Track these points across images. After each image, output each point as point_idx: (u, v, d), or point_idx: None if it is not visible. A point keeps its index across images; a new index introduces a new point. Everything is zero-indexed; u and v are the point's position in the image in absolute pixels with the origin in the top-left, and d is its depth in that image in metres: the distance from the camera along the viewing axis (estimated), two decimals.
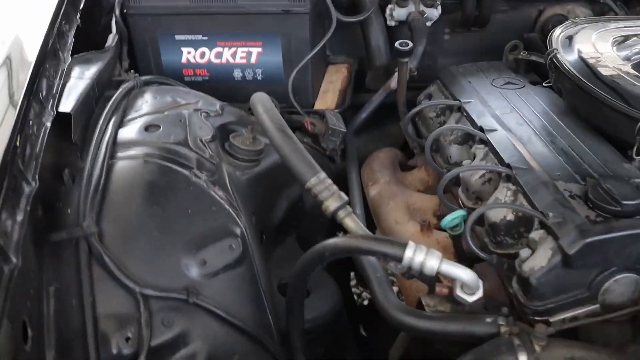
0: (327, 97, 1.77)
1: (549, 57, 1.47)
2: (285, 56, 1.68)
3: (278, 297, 1.38)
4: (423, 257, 1.08)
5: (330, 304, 1.41)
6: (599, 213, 1.15)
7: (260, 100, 1.37)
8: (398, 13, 1.83)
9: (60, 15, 1.43)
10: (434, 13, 1.85)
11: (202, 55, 1.70)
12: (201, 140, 1.33)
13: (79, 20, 1.53)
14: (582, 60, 1.44)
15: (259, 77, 1.71)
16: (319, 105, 1.74)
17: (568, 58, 1.46)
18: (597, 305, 1.16)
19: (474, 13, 1.87)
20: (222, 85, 1.71)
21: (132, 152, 1.28)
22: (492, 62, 1.74)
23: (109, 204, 1.20)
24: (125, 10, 1.66)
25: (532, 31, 1.95)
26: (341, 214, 1.20)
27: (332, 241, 1.13)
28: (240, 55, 1.69)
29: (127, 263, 1.14)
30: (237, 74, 1.71)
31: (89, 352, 1.07)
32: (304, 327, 1.26)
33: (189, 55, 1.70)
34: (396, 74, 1.76)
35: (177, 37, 1.68)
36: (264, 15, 1.64)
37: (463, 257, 1.39)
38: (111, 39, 1.57)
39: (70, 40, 1.46)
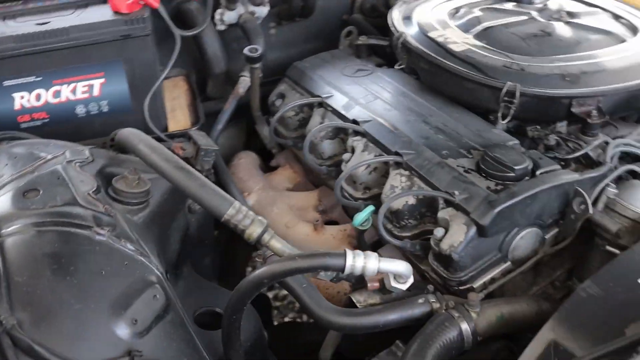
0: (178, 116, 1.71)
1: (399, 41, 1.55)
2: (131, 83, 1.59)
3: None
4: (363, 261, 1.11)
5: (251, 330, 1.39)
6: (497, 182, 1.25)
7: (139, 139, 1.30)
8: (228, 17, 1.81)
9: None
10: (264, 11, 1.85)
11: (38, 97, 1.55)
12: (89, 194, 1.23)
13: None
14: (432, 40, 1.53)
15: (105, 109, 1.60)
16: (173, 126, 1.68)
17: (416, 39, 1.55)
18: (509, 263, 1.28)
19: (300, 4, 1.90)
20: (64, 125, 1.58)
21: (18, 225, 1.16)
22: (332, 51, 1.79)
23: (16, 289, 1.08)
24: None
25: (351, 13, 2.02)
26: (266, 237, 1.19)
27: (269, 267, 1.12)
28: (81, 90, 1.57)
29: (57, 346, 1.05)
30: (80, 110, 1.60)
31: None
32: (243, 357, 1.24)
33: (22, 100, 1.55)
34: (242, 79, 1.75)
35: (6, 83, 1.52)
36: (102, 44, 1.53)
37: (364, 247, 1.44)
38: None
39: None
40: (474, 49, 1.48)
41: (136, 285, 1.16)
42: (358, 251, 1.13)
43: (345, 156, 1.47)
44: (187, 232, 1.49)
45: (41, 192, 1.22)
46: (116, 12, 1.54)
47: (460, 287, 1.25)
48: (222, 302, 1.42)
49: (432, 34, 1.55)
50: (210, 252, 1.59)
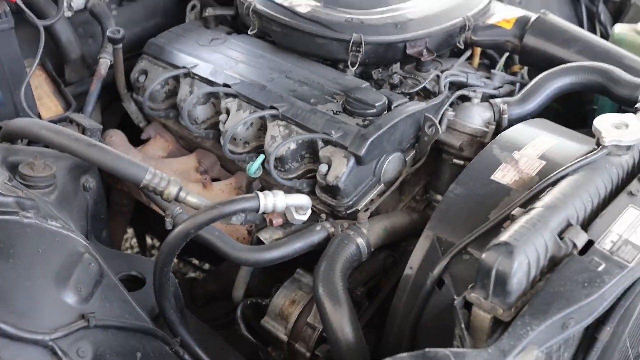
0: (47, 103, 1.77)
1: (250, 9, 1.73)
2: (1, 77, 1.63)
3: None
4: (273, 199, 1.31)
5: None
6: (363, 118, 1.50)
7: (39, 125, 1.39)
8: (76, 3, 1.87)
9: None
10: None
11: None
12: (6, 183, 1.30)
13: None
14: (278, 4, 1.73)
15: None
16: (45, 114, 1.74)
17: (264, 5, 1.74)
18: (382, 185, 1.53)
19: None
20: None
21: None
22: (182, 25, 1.92)
23: None
24: None
25: None
26: (182, 195, 1.35)
27: (192, 218, 1.28)
28: None
29: (18, 322, 1.14)
30: None
31: None
32: (175, 305, 1.39)
33: None
34: (102, 60, 1.84)
35: None
36: None
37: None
38: None
39: None
40: (317, 9, 1.70)
41: (71, 258, 1.27)
42: (267, 191, 1.32)
43: (222, 117, 1.64)
44: (87, 210, 1.59)
45: None
46: None
47: (348, 211, 1.49)
48: (136, 266, 1.55)
49: (277, 0, 1.74)
50: (106, 226, 1.69)
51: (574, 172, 1.24)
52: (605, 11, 2.41)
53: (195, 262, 2.65)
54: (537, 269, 1.09)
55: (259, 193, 1.31)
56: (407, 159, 1.56)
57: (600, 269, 1.10)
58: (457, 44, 1.76)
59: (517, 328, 1.03)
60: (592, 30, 2.36)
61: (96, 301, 1.27)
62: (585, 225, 1.18)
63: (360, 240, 1.39)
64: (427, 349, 1.00)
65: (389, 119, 1.48)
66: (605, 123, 1.27)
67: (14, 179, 1.35)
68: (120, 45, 1.74)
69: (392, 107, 1.53)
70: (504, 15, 1.81)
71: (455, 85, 1.68)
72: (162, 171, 1.67)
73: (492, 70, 1.76)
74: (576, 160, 1.25)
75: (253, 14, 1.74)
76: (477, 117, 1.56)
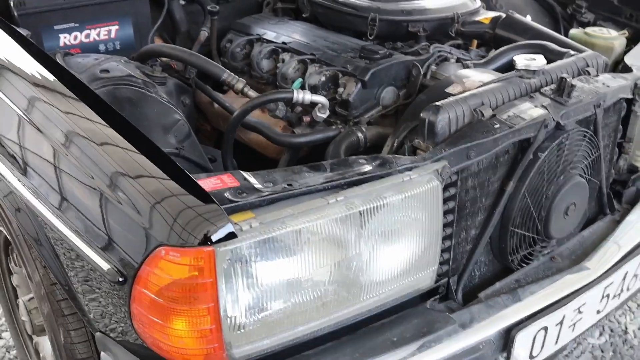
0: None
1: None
2: (135, 30, 2.46)
3: None
4: (302, 94, 2.05)
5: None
6: (370, 60, 2.23)
7: (162, 44, 2.20)
8: None
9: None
10: None
11: (75, 37, 2.39)
12: (141, 72, 2.10)
13: None
14: None
15: (118, 47, 2.47)
16: None
17: None
18: (380, 107, 2.24)
19: None
20: None
21: (101, 84, 2.00)
22: (259, 14, 2.74)
23: None
24: (16, 13, 2.28)
25: None
26: (245, 89, 2.11)
27: (249, 102, 2.04)
28: (103, 34, 2.43)
29: None
30: (102, 47, 2.45)
31: None
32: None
33: (65, 39, 2.38)
34: (202, 32, 2.66)
35: (56, 27, 2.36)
36: (117, 3, 2.41)
37: None
38: (24, 32, 2.20)
39: None
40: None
41: (173, 118, 2.03)
42: (299, 89, 2.06)
43: (279, 64, 2.41)
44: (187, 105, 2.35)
45: (109, 71, 2.07)
46: None
47: (355, 120, 2.20)
48: (210, 152, 2.30)
49: None
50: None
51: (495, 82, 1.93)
52: None
53: None
54: (456, 125, 1.77)
55: (295, 90, 2.05)
56: (400, 94, 2.26)
57: (496, 126, 1.77)
58: (450, 32, 2.49)
59: (436, 151, 1.71)
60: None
61: (186, 146, 2.01)
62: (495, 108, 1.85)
63: (360, 134, 2.10)
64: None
65: (387, 61, 2.21)
66: (521, 57, 1.97)
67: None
68: (216, 17, 2.55)
69: (392, 56, 2.26)
70: (485, 15, 2.54)
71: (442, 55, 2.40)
72: (237, 104, 2.45)
73: (470, 48, 2.47)
74: (498, 77, 1.95)
75: (306, 2, 2.54)
76: (452, 70, 2.27)
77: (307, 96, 2.06)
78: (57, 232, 1.55)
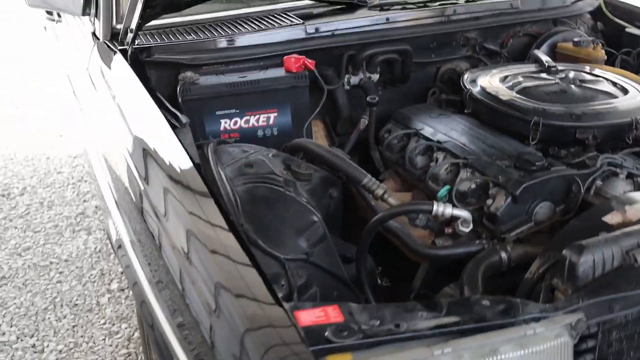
0: (319, 142, 2.60)
1: (467, 94, 2.42)
2: (294, 117, 2.49)
3: None
4: (443, 207, 1.93)
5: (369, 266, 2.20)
6: (525, 171, 2.06)
7: (308, 142, 2.20)
8: (353, 79, 2.72)
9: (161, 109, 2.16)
10: (376, 77, 2.76)
11: (235, 123, 2.47)
12: (281, 170, 2.11)
13: None
14: (488, 92, 2.39)
15: (275, 133, 2.51)
16: None
17: (478, 92, 2.41)
18: (532, 223, 2.06)
19: (399, 74, 2.81)
20: (249, 142, 2.46)
21: (243, 181, 2.03)
22: (423, 104, 2.67)
23: (245, 213, 1.94)
24: (182, 98, 2.40)
25: (434, 82, 2.90)
26: (386, 195, 2.04)
27: (386, 211, 1.96)
28: (262, 120, 2.48)
29: (267, 244, 1.88)
30: (260, 133, 2.50)
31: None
32: (367, 271, 2.05)
33: (225, 124, 2.46)
34: (362, 120, 2.64)
35: (218, 112, 2.45)
36: (278, 91, 2.46)
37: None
38: (184, 119, 2.31)
39: None
40: (515, 98, 2.33)
41: (308, 220, 2.00)
42: (440, 202, 1.95)
43: (432, 164, 2.31)
44: (328, 210, 2.33)
45: (253, 167, 2.10)
46: (287, 71, 2.47)
47: (502, 236, 2.04)
48: (349, 250, 2.25)
49: (488, 89, 2.40)
50: (338, 229, 2.42)
51: None
52: None
53: None
54: (602, 269, 1.57)
55: (435, 202, 1.94)
56: (557, 209, 2.06)
57: None
58: (627, 140, 2.24)
59: (572, 299, 1.52)
60: None
61: (317, 251, 1.97)
62: None
63: (503, 254, 1.93)
64: None
65: (543, 174, 2.03)
66: None
67: (286, 170, 2.15)
68: (375, 108, 2.51)
69: (551, 169, 2.07)
70: None
71: (613, 165, 2.15)
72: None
73: None
74: None
75: (469, 98, 2.42)
76: (619, 188, 2.04)
77: (448, 210, 1.94)
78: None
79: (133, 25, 2.42)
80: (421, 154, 2.39)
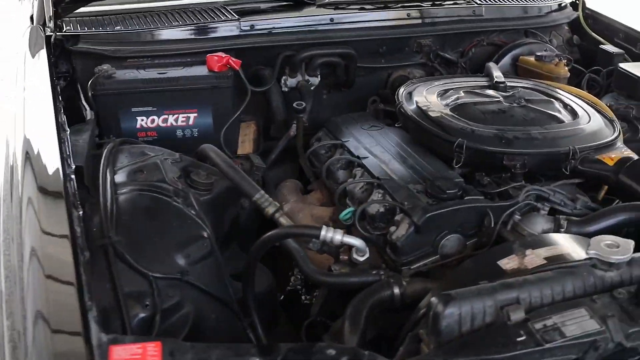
0: (245, 146, 2.44)
1: (398, 107, 2.23)
2: (215, 119, 2.33)
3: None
4: (332, 233, 1.76)
5: (265, 285, 2.04)
6: (435, 200, 1.88)
7: (211, 149, 2.03)
8: (290, 82, 2.54)
9: (58, 105, 2.02)
10: (316, 80, 2.58)
11: (153, 121, 2.32)
12: (174, 178, 1.95)
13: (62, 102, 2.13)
14: (419, 107, 2.20)
15: (195, 135, 2.35)
16: (240, 151, 2.41)
17: (410, 107, 2.22)
18: (438, 256, 1.88)
19: (343, 78, 2.62)
20: (167, 142, 2.30)
21: (129, 189, 1.89)
22: (360, 112, 2.48)
23: (120, 223, 1.79)
24: (93, 93, 2.26)
25: (385, 88, 2.71)
26: (277, 215, 1.87)
27: (274, 231, 1.79)
28: (181, 120, 2.33)
29: (138, 259, 1.74)
30: (179, 133, 2.35)
31: (123, 316, 1.66)
32: (255, 295, 1.89)
33: (142, 122, 2.32)
34: (293, 125, 2.46)
35: (134, 109, 2.30)
36: (198, 90, 2.30)
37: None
38: (89, 114, 2.17)
39: (64, 119, 2.05)
40: (445, 116, 2.13)
41: (192, 235, 1.85)
42: (330, 227, 1.78)
43: (349, 180, 2.14)
44: (237, 221, 2.18)
45: (144, 172, 1.95)
46: (210, 70, 2.31)
47: (402, 268, 1.86)
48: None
49: (420, 104, 2.21)
50: (253, 239, 2.26)
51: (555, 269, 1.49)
52: None
53: None
54: (470, 324, 1.38)
55: (324, 227, 1.77)
56: (468, 243, 1.88)
57: (519, 338, 1.35)
58: (564, 170, 2.03)
59: (431, 355, 1.34)
60: None
61: (198, 269, 1.82)
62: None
63: (396, 289, 1.75)
64: None
65: (453, 204, 1.84)
66: (598, 241, 1.50)
67: (182, 178, 1.99)
68: (302, 115, 2.34)
69: (465, 198, 1.88)
70: (613, 153, 2.04)
71: (540, 198, 1.95)
72: (304, 212, 2.22)
73: (577, 195, 1.99)
74: (560, 263, 1.51)
75: (399, 112, 2.23)
76: (538, 226, 1.84)
77: (338, 237, 1.76)
78: None
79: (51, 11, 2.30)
80: (343, 168, 2.22)
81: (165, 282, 1.74)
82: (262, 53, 2.52)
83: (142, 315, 1.68)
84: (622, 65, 2.57)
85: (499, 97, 2.28)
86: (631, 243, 1.49)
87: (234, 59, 2.32)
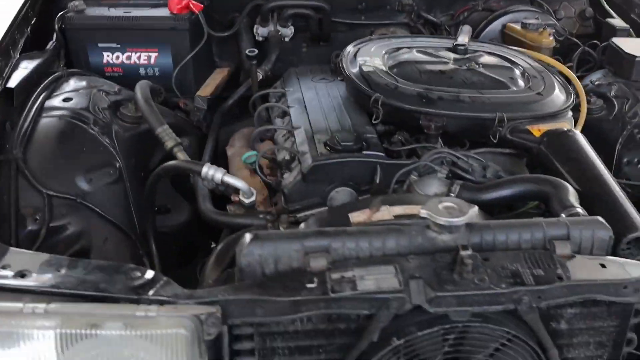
0: (206, 89, 2.49)
1: (338, 59, 2.20)
2: (174, 59, 2.41)
3: None
4: (213, 171, 1.79)
5: (183, 218, 2.11)
6: (330, 150, 1.85)
7: (140, 86, 2.12)
8: (262, 31, 2.57)
9: (14, 27, 2.17)
10: (287, 32, 2.59)
11: (117, 57, 2.43)
12: (98, 108, 2.05)
13: (29, 32, 2.27)
14: (356, 62, 2.15)
15: (157, 74, 2.44)
16: (201, 93, 2.46)
17: (349, 61, 2.18)
18: (327, 207, 1.86)
19: (317, 33, 2.61)
20: (131, 79, 2.38)
21: (53, 113, 2.01)
22: (319, 65, 2.46)
23: (34, 144, 1.92)
24: (63, 26, 2.40)
25: None
26: (175, 149, 1.93)
27: (163, 165, 1.85)
28: (143, 58, 2.42)
29: (41, 177, 1.85)
30: (142, 71, 2.45)
31: (11, 227, 1.78)
32: (156, 227, 1.97)
33: (108, 57, 2.44)
34: (259, 72, 2.49)
35: (100, 45, 2.42)
36: (158, 31, 2.38)
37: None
38: (50, 44, 2.30)
39: (20, 44, 2.20)
40: (376, 72, 2.07)
41: (100, 162, 1.95)
42: (214, 166, 1.81)
43: (263, 126, 2.16)
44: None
45: (73, 100, 2.06)
46: (170, 12, 2.38)
47: (289, 214, 1.85)
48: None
49: (360, 59, 2.17)
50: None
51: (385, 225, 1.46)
52: None
53: None
54: (274, 267, 1.37)
55: (208, 164, 1.80)
56: (360, 198, 1.84)
57: (308, 285, 1.32)
58: (491, 137, 1.93)
59: (213, 291, 1.33)
60: None
61: (100, 194, 1.91)
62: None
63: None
64: None
65: (342, 157, 1.81)
66: (435, 202, 1.43)
67: (110, 109, 2.09)
68: (254, 61, 2.35)
69: (363, 152, 1.84)
70: (548, 123, 1.92)
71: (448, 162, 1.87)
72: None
73: (490, 164, 1.88)
74: (395, 221, 1.47)
75: (339, 65, 2.19)
76: (431, 188, 1.78)
77: (218, 175, 1.80)
78: None
79: None
80: (280, 116, 2.23)
81: (60, 201, 1.85)
82: (236, 0, 2.56)
83: (30, 228, 1.81)
84: (615, 39, 2.39)
85: (449, 59, 2.19)
86: (474, 208, 1.42)
87: (195, 2, 2.38)
